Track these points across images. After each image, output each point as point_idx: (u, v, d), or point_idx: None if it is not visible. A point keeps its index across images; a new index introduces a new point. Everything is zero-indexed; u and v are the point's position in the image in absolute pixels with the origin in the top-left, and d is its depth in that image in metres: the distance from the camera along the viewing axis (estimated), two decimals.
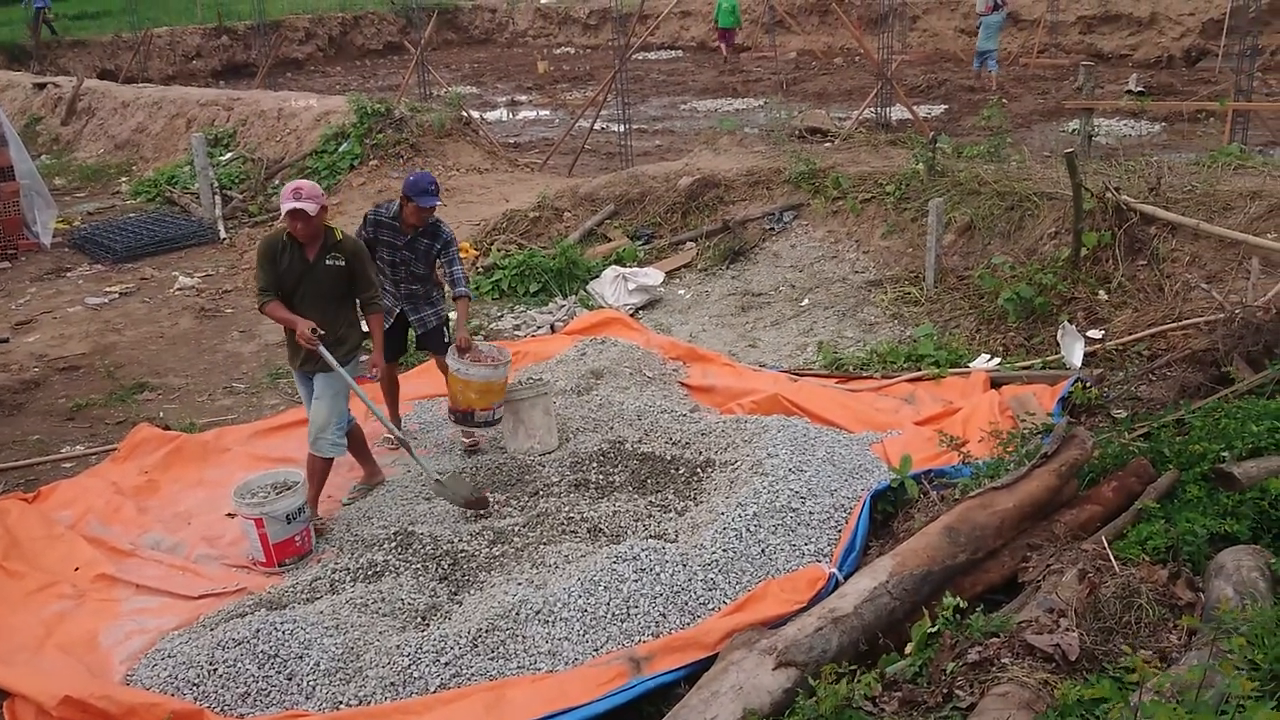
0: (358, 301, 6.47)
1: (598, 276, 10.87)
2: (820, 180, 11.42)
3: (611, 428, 7.35)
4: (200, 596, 5.90)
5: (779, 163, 12.05)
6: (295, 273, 6.24)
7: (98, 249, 13.68)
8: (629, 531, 5.95)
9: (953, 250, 9.88)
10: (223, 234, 14.13)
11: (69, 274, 12.99)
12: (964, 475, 5.86)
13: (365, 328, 6.55)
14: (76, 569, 6.16)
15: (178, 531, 6.63)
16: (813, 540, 5.59)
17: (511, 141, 19.63)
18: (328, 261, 6.26)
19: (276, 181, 15.48)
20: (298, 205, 6.01)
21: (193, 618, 5.64)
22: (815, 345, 8.85)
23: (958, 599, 4.57)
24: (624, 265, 11.05)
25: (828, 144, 13.62)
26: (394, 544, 6.07)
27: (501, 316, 10.45)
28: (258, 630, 5.06)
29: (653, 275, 10.66)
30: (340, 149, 15.13)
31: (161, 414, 8.61)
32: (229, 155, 16.49)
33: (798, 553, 5.50)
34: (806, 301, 9.89)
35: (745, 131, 14.61)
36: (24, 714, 4.78)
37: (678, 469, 6.69)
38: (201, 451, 7.66)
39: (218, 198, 14.72)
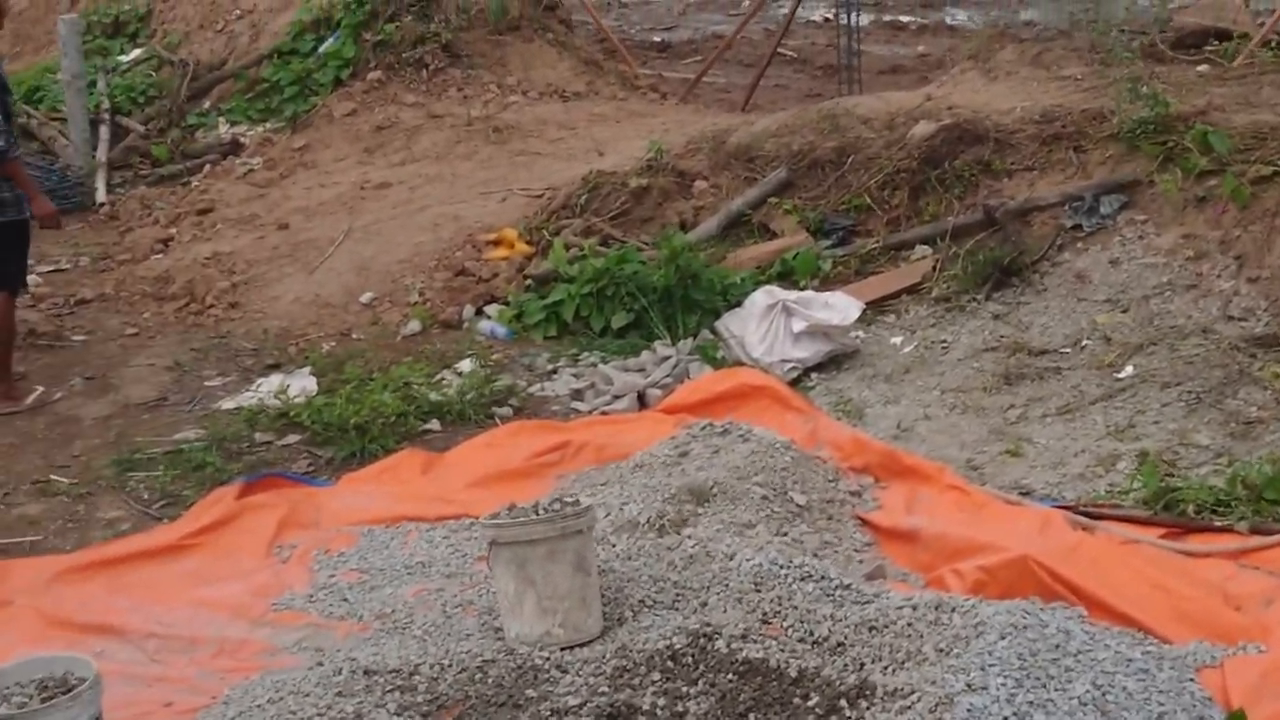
0: None
1: (739, 305, 8.71)
2: (1176, 137, 8.78)
3: (703, 603, 6.00)
4: None
5: (1100, 100, 9.29)
6: None
7: None
8: None
9: None
10: (101, 195, 10.40)
11: None
12: None
13: None
14: None
15: None
16: None
17: (657, 39, 16.30)
18: None
19: (206, 103, 12.00)
20: None
21: None
22: (1135, 458, 7.24)
23: None
24: (793, 286, 8.90)
25: (1203, 66, 10.27)
26: None
27: (554, 372, 8.17)
28: None
29: (841, 306, 8.51)
30: (321, 48, 11.87)
31: None
32: (134, 53, 12.92)
33: None
34: (1130, 370, 8.17)
35: (1049, 43, 11.30)
36: None
37: (807, 695, 5.21)
38: None
39: (103, 129, 11.12)
